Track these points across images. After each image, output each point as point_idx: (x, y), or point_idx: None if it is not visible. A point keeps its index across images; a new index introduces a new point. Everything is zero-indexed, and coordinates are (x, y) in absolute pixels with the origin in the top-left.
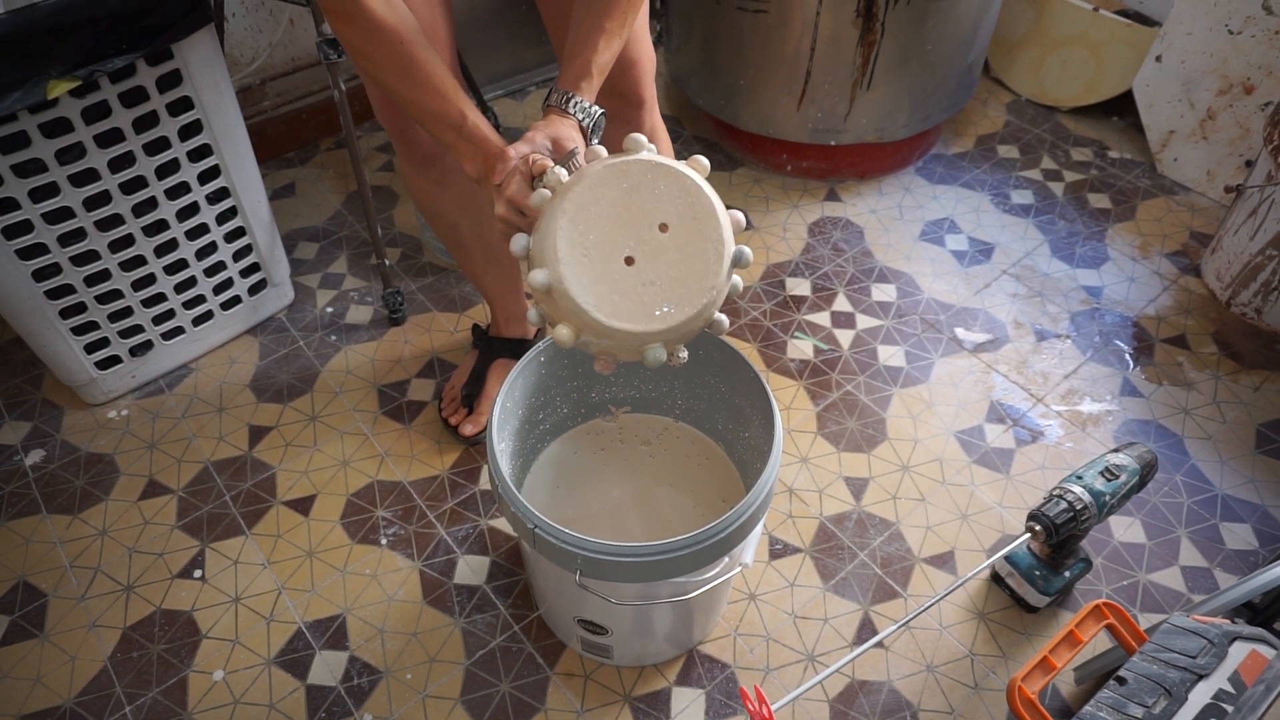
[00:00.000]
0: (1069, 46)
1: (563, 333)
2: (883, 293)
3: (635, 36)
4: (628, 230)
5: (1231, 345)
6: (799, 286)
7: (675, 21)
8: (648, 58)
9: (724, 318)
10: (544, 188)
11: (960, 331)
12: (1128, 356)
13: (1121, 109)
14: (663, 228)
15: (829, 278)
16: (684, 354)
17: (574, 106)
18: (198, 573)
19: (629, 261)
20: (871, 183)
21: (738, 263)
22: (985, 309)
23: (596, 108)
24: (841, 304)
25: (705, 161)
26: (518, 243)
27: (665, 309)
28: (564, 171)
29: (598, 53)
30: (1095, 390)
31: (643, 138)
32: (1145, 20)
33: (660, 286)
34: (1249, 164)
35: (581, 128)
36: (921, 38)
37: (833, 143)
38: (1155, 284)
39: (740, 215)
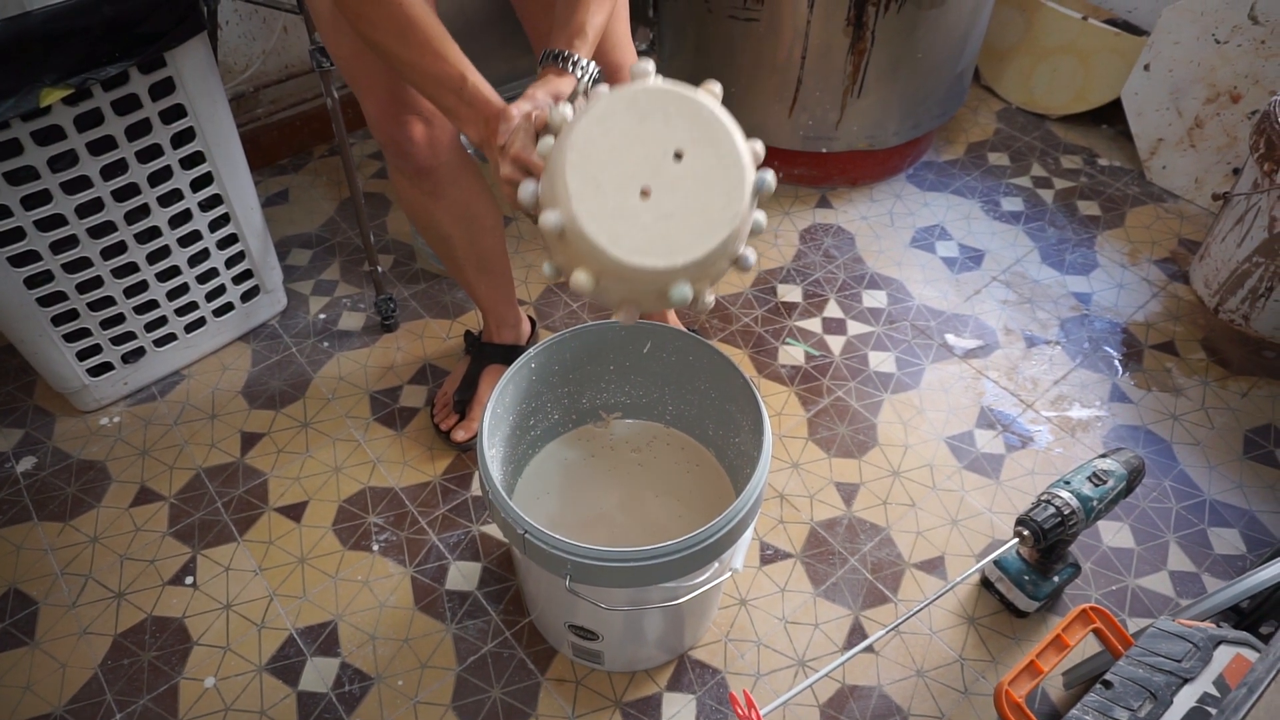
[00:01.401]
0: (1058, 55)
1: (581, 278)
2: (874, 299)
3: (618, 43)
4: (641, 161)
5: (1220, 351)
6: (790, 293)
7: (667, 30)
8: (631, 62)
9: (751, 253)
10: (548, 133)
11: (951, 338)
12: (1117, 363)
13: (1110, 117)
14: (678, 156)
15: (820, 284)
16: (710, 298)
17: (571, 64)
18: (189, 579)
19: (644, 194)
20: (863, 190)
21: (760, 190)
22: (976, 315)
23: (594, 64)
24: (833, 310)
25: (718, 88)
26: (526, 189)
27: (687, 241)
28: (568, 109)
29: (590, 14)
30: (1084, 396)
31: (650, 64)
32: (1133, 29)
33: (680, 218)
34: (1236, 172)
35: (584, 88)
36: (912, 46)
37: (824, 150)
38: (1144, 291)
39: (759, 145)
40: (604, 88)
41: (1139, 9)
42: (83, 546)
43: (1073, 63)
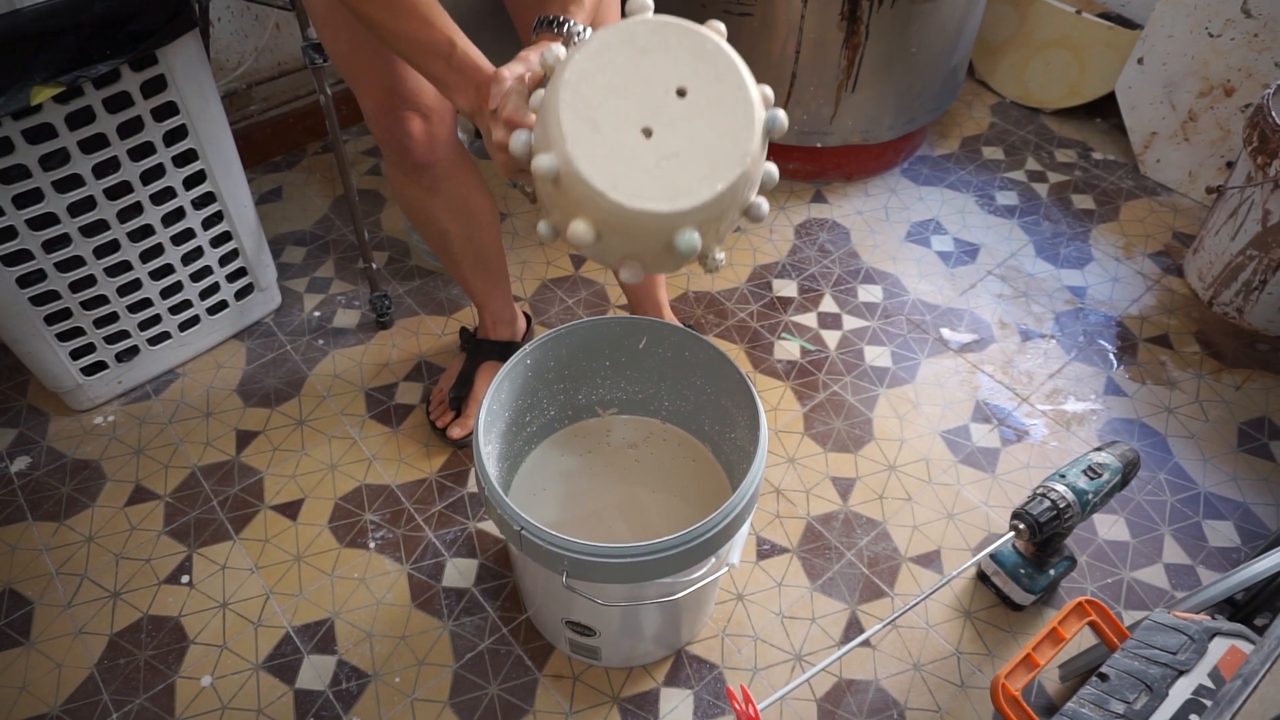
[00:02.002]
0: (1052, 49)
1: (579, 228)
2: (869, 294)
3: (610, 14)
4: (641, 99)
5: (1214, 344)
6: (785, 288)
7: None
8: None
9: (763, 201)
10: (541, 90)
11: (946, 332)
12: (1111, 356)
13: (1104, 111)
14: (681, 93)
15: (815, 279)
16: (721, 255)
17: (565, 28)
18: (185, 578)
19: (646, 134)
20: (858, 184)
21: (772, 129)
22: (971, 309)
23: (589, 29)
24: (828, 305)
25: (722, 26)
26: (518, 140)
27: (694, 183)
28: (561, 49)
29: None
30: (1079, 389)
31: None
32: (1127, 23)
33: (685, 158)
34: (1230, 165)
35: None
36: (906, 40)
37: (819, 145)
38: (1138, 284)
39: (768, 88)
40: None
41: (1132, 2)
42: (78, 546)
43: (1066, 56)
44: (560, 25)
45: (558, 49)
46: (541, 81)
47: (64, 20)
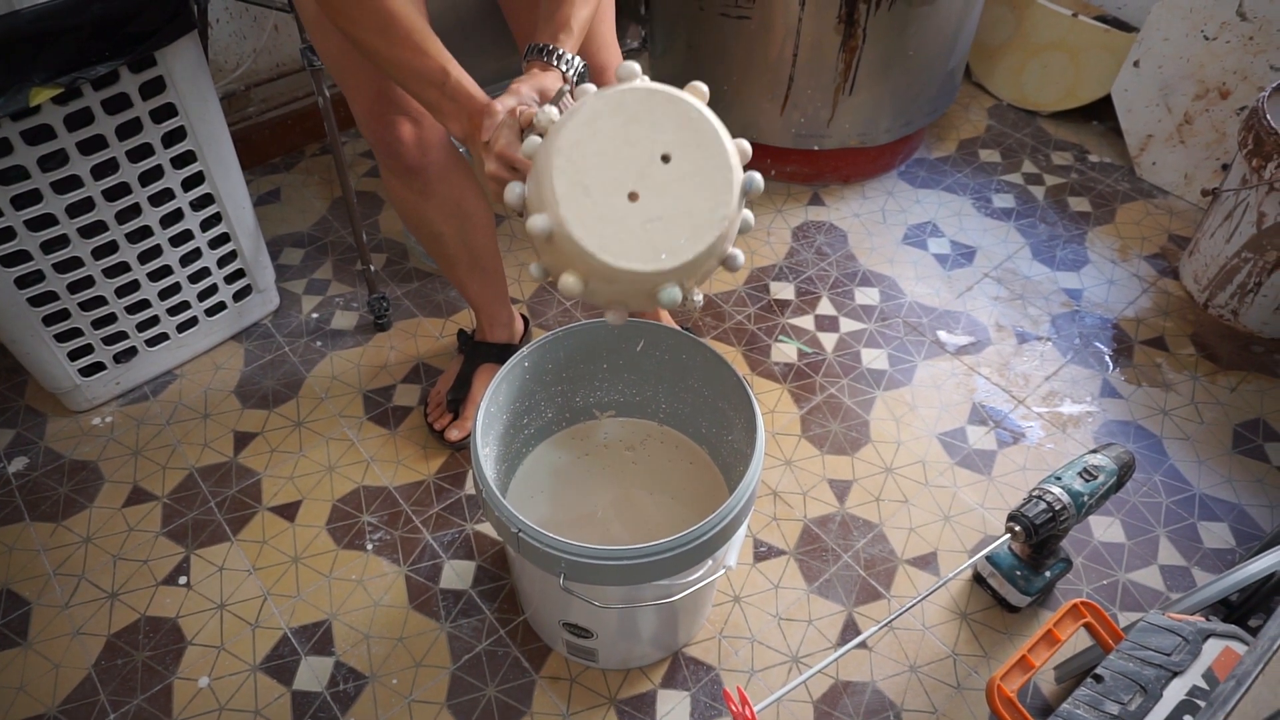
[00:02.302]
0: (1049, 52)
1: (569, 281)
2: (866, 296)
3: (604, 44)
4: (628, 164)
5: (1209, 347)
6: (783, 290)
7: (659, 28)
8: (617, 62)
9: (739, 253)
10: (534, 133)
11: (943, 334)
12: (1107, 358)
13: (1101, 113)
14: (665, 159)
15: (813, 281)
16: (699, 296)
17: (556, 58)
18: (182, 579)
19: (633, 197)
20: (855, 187)
21: (748, 190)
22: (967, 312)
23: (579, 59)
24: (825, 308)
25: (704, 87)
26: (512, 192)
27: (676, 244)
28: (554, 110)
29: (576, 8)
30: (1075, 392)
31: (635, 65)
32: (1123, 26)
33: (668, 221)
34: (1225, 168)
35: (565, 79)
36: (903, 43)
37: (816, 147)
38: (1134, 286)
39: (746, 144)
40: (591, 88)
41: (1128, 5)
42: (75, 547)
43: (1063, 59)
44: (550, 54)
45: (551, 111)
46: (532, 124)
47: (63, 21)
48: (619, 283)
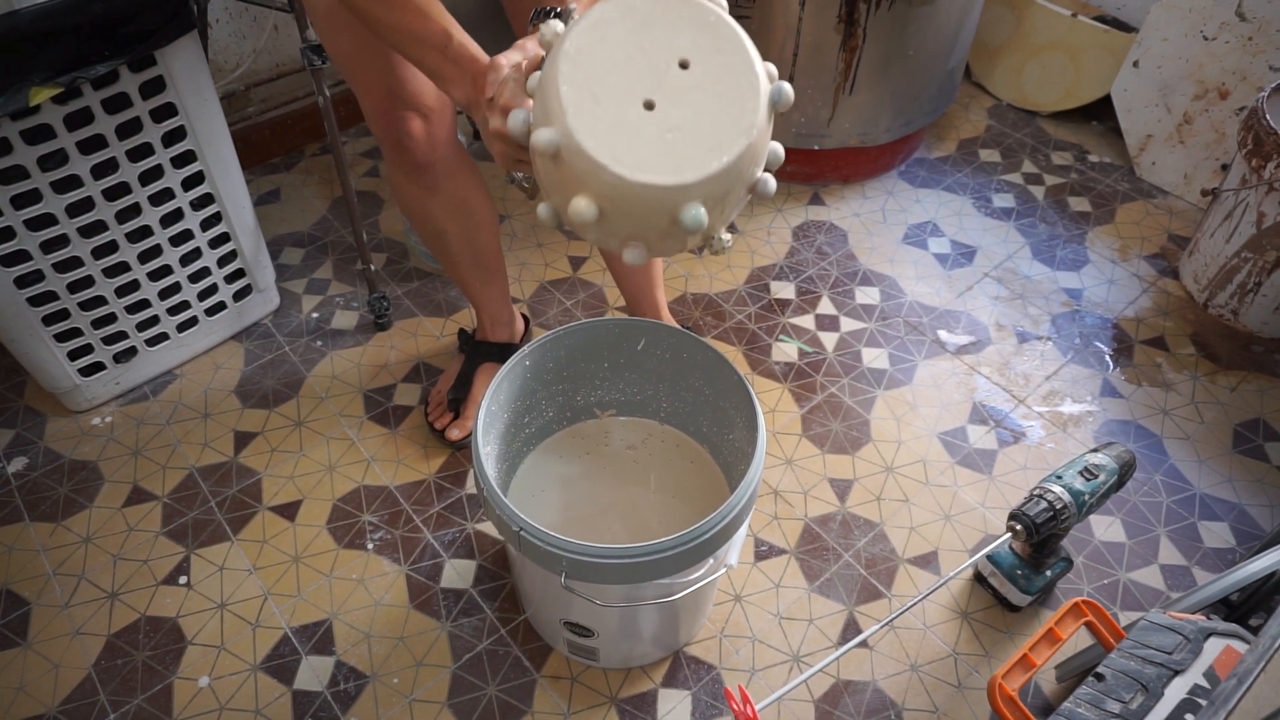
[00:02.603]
0: (1048, 52)
1: (581, 205)
2: (866, 296)
3: None
4: (643, 71)
5: (1209, 346)
6: (783, 290)
7: None
8: None
9: (770, 177)
10: (538, 73)
11: (943, 334)
12: (1107, 358)
13: (1100, 114)
14: (683, 65)
15: (813, 281)
16: (727, 237)
17: (565, 18)
18: (183, 579)
19: (648, 106)
20: (855, 187)
21: (778, 101)
22: (968, 311)
23: None
24: (825, 307)
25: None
26: (516, 118)
27: (698, 156)
28: (559, 24)
29: None
30: (1076, 391)
31: None
32: (1122, 26)
33: (689, 131)
34: (1225, 168)
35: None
36: (903, 43)
37: (816, 147)
38: (1134, 286)
39: (771, 66)
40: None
41: (1127, 6)
42: (75, 547)
43: (1063, 59)
44: (560, 14)
45: (556, 24)
46: (539, 64)
47: (63, 21)
48: (636, 205)
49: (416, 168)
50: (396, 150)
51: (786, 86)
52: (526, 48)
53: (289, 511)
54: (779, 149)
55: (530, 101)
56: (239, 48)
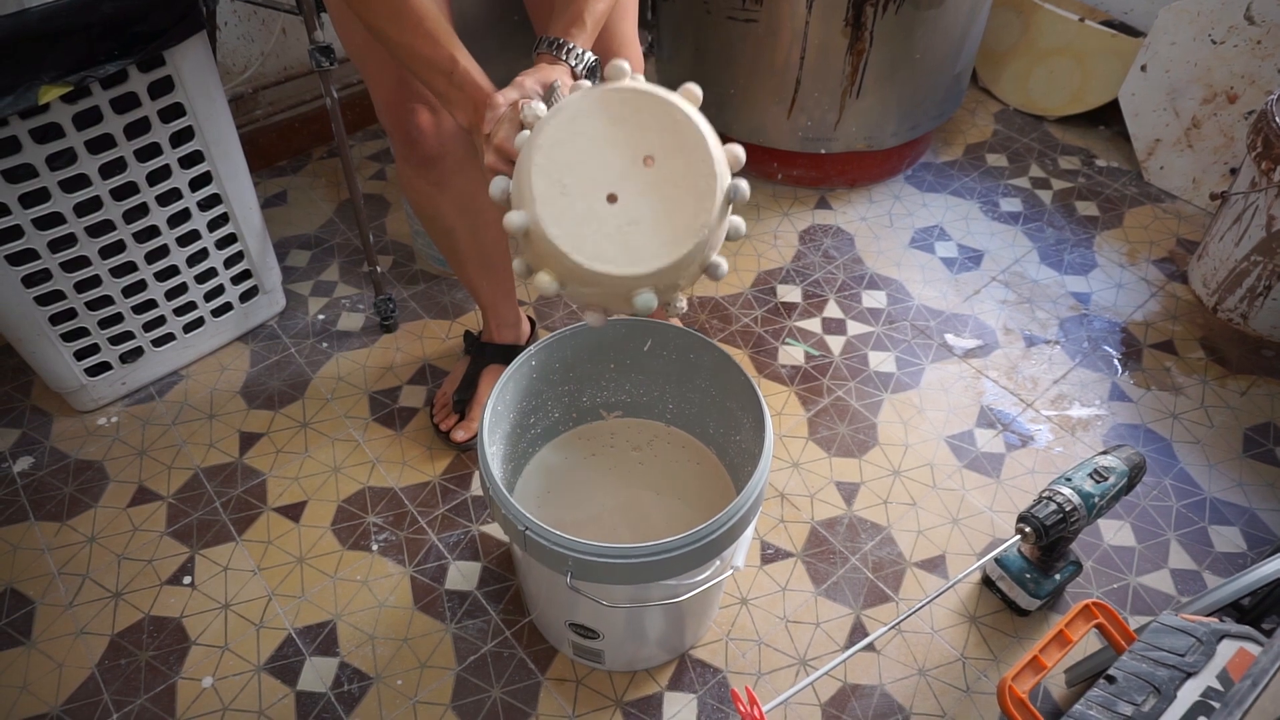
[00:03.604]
0: (1055, 57)
1: (544, 280)
2: (873, 299)
3: (625, 41)
4: (610, 165)
5: (1218, 350)
6: (790, 293)
7: (666, 32)
8: (636, 62)
9: (722, 261)
10: (524, 127)
11: (950, 338)
12: (1116, 362)
13: (1108, 118)
14: (647, 161)
15: (820, 285)
16: (682, 303)
17: (565, 52)
18: (187, 579)
19: (612, 199)
20: (861, 191)
21: (734, 198)
22: (975, 315)
23: (590, 54)
24: (832, 310)
25: (697, 90)
26: (497, 186)
27: (652, 249)
28: (541, 106)
29: (591, 1)
30: (1084, 395)
31: (624, 64)
32: (1130, 30)
33: (645, 226)
34: (1234, 171)
35: (574, 74)
36: (910, 47)
37: (823, 151)
38: (1143, 290)
39: (739, 150)
40: (586, 84)
41: (1135, 10)
42: (80, 546)
43: (1070, 64)
44: (559, 48)
45: (538, 107)
46: (524, 123)
47: (72, 20)
48: (594, 285)
49: (425, 161)
50: (405, 143)
51: (743, 184)
52: (525, 85)
53: (294, 513)
54: (739, 225)
55: (515, 140)
56: (247, 50)
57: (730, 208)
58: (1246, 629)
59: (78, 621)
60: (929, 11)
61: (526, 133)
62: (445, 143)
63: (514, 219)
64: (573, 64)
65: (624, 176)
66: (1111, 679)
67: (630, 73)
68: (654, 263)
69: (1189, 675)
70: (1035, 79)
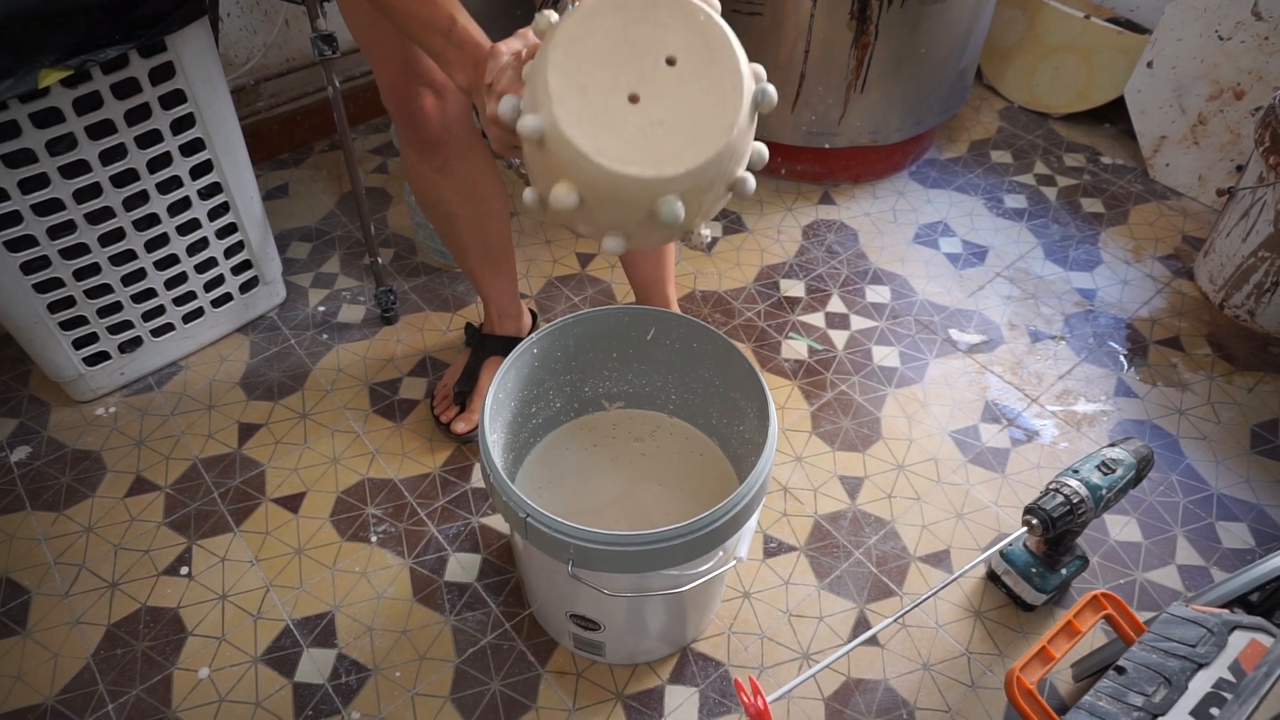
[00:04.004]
0: (1061, 54)
1: (562, 191)
2: (877, 294)
3: None
4: (630, 65)
5: (1225, 347)
6: (793, 288)
7: None
8: None
9: (749, 177)
10: (538, 40)
11: (954, 333)
12: (1122, 358)
13: (1113, 115)
14: (670, 61)
15: (823, 279)
16: (706, 231)
17: (561, 7)
18: (184, 570)
19: (633, 100)
20: (865, 186)
21: (761, 102)
22: (979, 311)
23: None
24: (836, 305)
25: None
26: (507, 103)
27: (678, 150)
28: (553, 14)
29: None
30: (1090, 391)
31: None
32: (1135, 28)
33: (671, 126)
34: (1240, 169)
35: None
36: (915, 41)
37: (827, 145)
38: (1148, 287)
39: (760, 68)
40: None
41: (1141, 7)
42: (76, 536)
43: (1075, 61)
44: (553, 5)
45: (550, 14)
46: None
47: (73, 3)
48: (615, 195)
49: (429, 145)
50: (410, 126)
51: (770, 88)
52: (528, 36)
53: (292, 503)
54: (763, 149)
55: (524, 70)
56: (249, 42)
57: (756, 117)
58: (1259, 620)
59: (73, 611)
60: (934, 6)
61: (533, 62)
62: (450, 127)
63: (529, 122)
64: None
65: (646, 76)
66: (1121, 670)
67: None
68: (681, 164)
69: (1200, 666)
70: (1040, 76)
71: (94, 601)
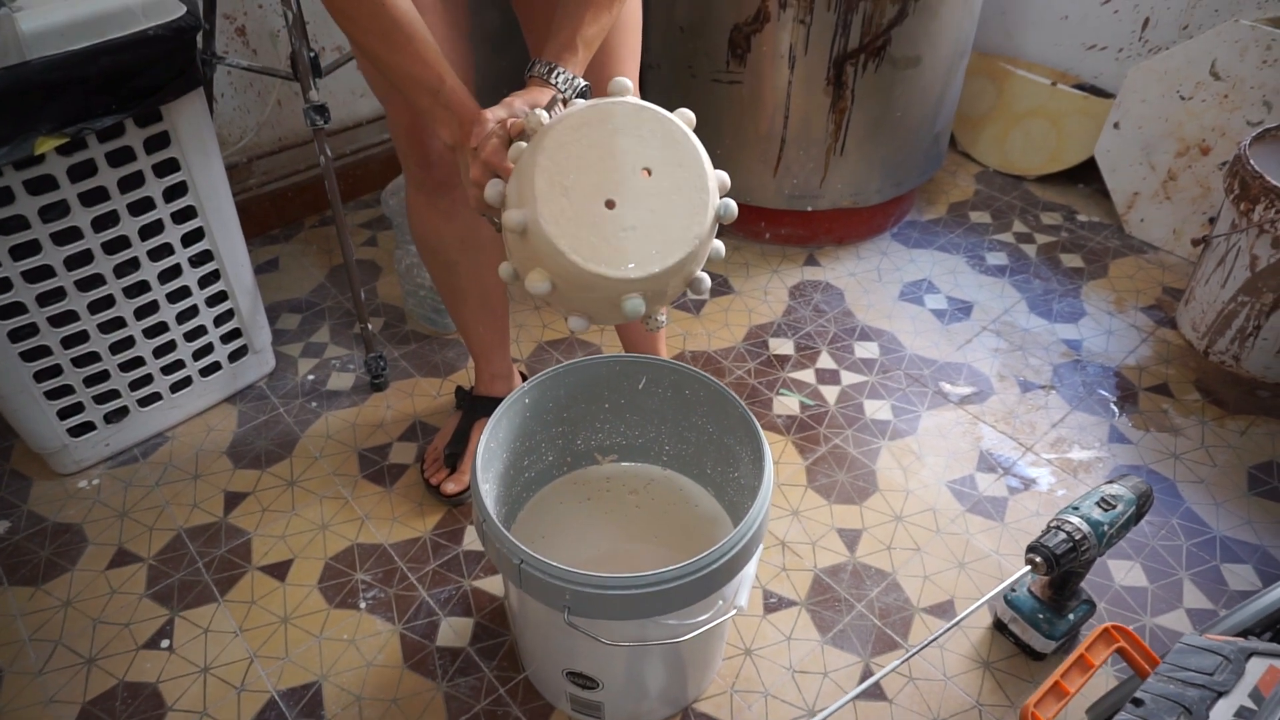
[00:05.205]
0: (1030, 119)
1: (536, 279)
2: (866, 350)
3: (623, 60)
4: (609, 173)
5: (1214, 392)
6: (782, 346)
7: (652, 95)
8: (634, 80)
9: (706, 277)
10: (523, 138)
11: (945, 385)
12: (1113, 405)
13: (1086, 176)
14: (646, 173)
15: (811, 337)
16: (663, 317)
17: (556, 76)
18: (165, 643)
19: (610, 205)
20: (849, 248)
21: (723, 216)
22: (968, 363)
23: (580, 79)
24: (825, 361)
25: (691, 115)
26: (493, 188)
27: (645, 255)
28: (545, 115)
29: (584, 26)
30: (1084, 438)
31: (627, 81)
32: (1100, 92)
33: (641, 232)
34: (1212, 220)
35: (564, 100)
36: (890, 105)
37: (809, 208)
38: (1133, 336)
39: (724, 175)
40: (582, 102)
41: (1105, 73)
42: (54, 611)
43: (1045, 126)
44: (550, 71)
45: (542, 114)
46: (522, 134)
47: (70, 73)
48: (584, 287)
49: (438, 187)
50: (422, 167)
51: (731, 203)
52: (513, 105)
53: (279, 571)
54: (720, 247)
55: (508, 163)
56: (242, 121)
57: (716, 226)
58: (1275, 646)
59: (46, 690)
60: (907, 71)
61: (522, 144)
62: (457, 169)
63: (514, 216)
64: (561, 87)
65: (623, 184)
66: (1139, 702)
67: (633, 89)
68: (646, 268)
69: (1220, 694)
70: (1012, 141)
71: (69, 679)
